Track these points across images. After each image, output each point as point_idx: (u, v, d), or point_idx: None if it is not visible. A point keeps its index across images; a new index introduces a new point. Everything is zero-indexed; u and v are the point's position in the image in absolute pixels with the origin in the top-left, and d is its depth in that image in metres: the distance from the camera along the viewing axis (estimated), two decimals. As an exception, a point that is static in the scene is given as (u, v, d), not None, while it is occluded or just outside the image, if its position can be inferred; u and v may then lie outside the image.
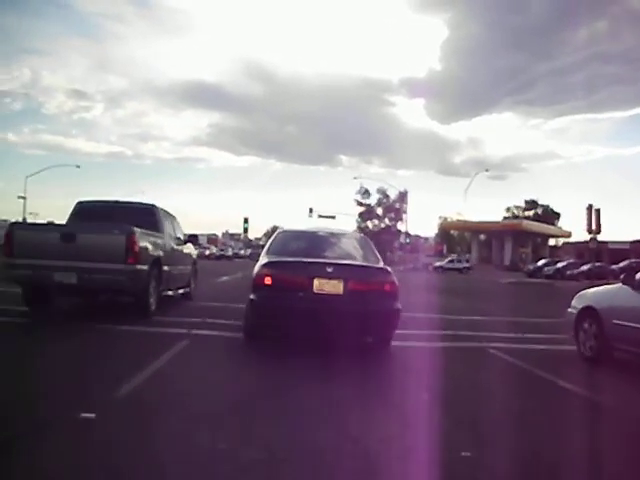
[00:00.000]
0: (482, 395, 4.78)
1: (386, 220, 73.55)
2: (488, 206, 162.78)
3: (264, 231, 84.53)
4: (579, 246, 66.51)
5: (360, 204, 73.66)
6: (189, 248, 10.84)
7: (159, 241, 8.43)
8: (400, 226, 69.55)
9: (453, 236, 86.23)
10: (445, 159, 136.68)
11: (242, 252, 75.01)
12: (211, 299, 10.71)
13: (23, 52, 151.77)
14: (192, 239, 11.12)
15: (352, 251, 7.18)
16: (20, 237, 7.30)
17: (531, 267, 47.20)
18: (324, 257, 6.55)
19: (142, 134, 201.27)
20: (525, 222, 67.93)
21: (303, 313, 5.99)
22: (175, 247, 9.47)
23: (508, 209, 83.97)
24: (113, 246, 7.09)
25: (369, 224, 74.33)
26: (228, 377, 5.03)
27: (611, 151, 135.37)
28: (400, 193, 67.15)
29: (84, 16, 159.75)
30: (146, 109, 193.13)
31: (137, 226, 7.47)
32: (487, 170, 63.19)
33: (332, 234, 7.78)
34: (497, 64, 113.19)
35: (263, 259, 6.54)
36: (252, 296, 6.12)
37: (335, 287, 6.01)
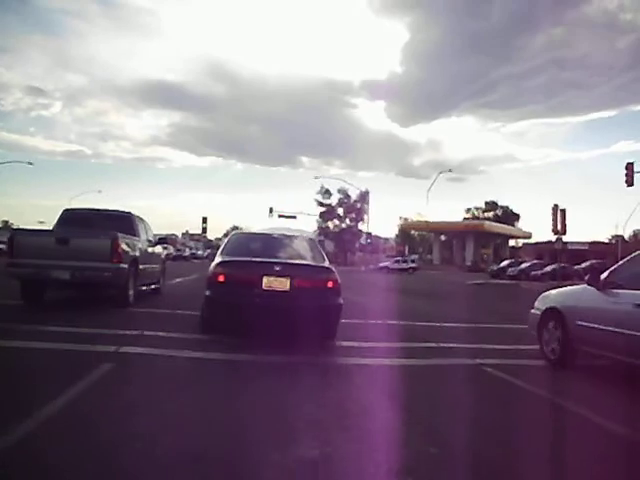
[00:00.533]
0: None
1: (347, 220, 74.05)
2: (447, 208, 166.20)
3: (224, 232, 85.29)
4: (539, 247, 68.02)
5: (321, 204, 73.84)
6: (159, 249, 12.46)
7: (136, 244, 10.04)
8: (361, 226, 70.15)
9: (414, 237, 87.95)
10: (405, 161, 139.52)
11: (200, 252, 73.39)
12: (156, 305, 10.00)
13: None
14: (161, 241, 12.77)
15: (300, 251, 7.73)
16: (21, 241, 8.88)
17: (494, 268, 47.51)
18: (273, 257, 7.01)
19: (102, 133, 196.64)
20: (487, 223, 69.45)
21: (253, 308, 6.46)
22: (148, 249, 11.09)
23: (468, 210, 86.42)
24: (100, 248, 8.71)
25: (330, 224, 74.88)
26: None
27: (568, 155, 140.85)
28: (361, 193, 67.65)
29: (44, 12, 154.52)
30: (106, 108, 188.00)
31: (117, 231, 9.10)
32: (450, 170, 65.07)
33: (282, 236, 8.35)
34: (457, 68, 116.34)
35: (217, 259, 7.08)
36: (207, 292, 6.66)
37: (282, 284, 6.50)
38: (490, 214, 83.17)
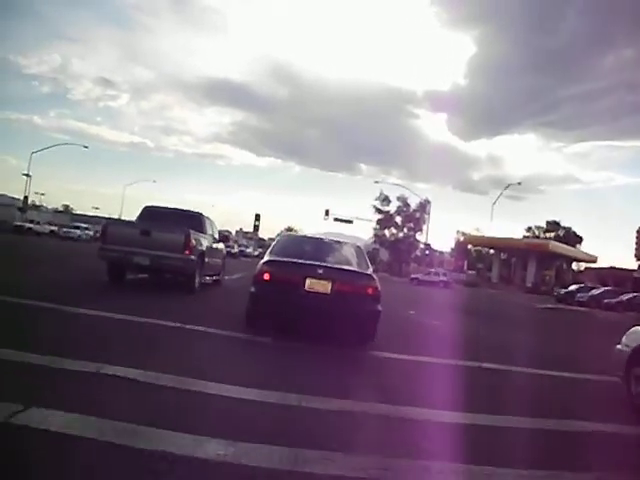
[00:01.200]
0: None
1: (404, 230, 71.72)
2: (504, 225, 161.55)
3: (277, 232, 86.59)
4: (602, 272, 65.16)
5: (379, 211, 71.24)
6: (221, 245, 14.06)
7: (203, 240, 11.61)
8: (419, 237, 68.87)
9: (470, 252, 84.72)
10: (463, 175, 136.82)
11: (249, 250, 69.72)
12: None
13: (54, 37, 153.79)
14: (223, 238, 14.39)
15: (345, 257, 7.82)
16: (111, 230, 10.66)
17: (561, 291, 43.86)
18: (318, 260, 7.14)
19: (165, 127, 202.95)
20: (552, 243, 65.68)
21: (294, 307, 6.67)
22: (213, 245, 12.67)
23: (529, 229, 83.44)
24: (175, 241, 10.32)
25: (386, 232, 72.93)
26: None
27: (632, 180, 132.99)
28: (421, 202, 65.90)
29: (117, 6, 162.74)
30: (171, 102, 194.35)
31: (189, 228, 10.68)
32: (519, 183, 61.65)
33: (329, 240, 8.61)
34: (522, 84, 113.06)
35: (265, 258, 7.34)
36: (252, 289, 6.91)
37: (324, 287, 6.64)
38: (551, 234, 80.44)
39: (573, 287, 44.56)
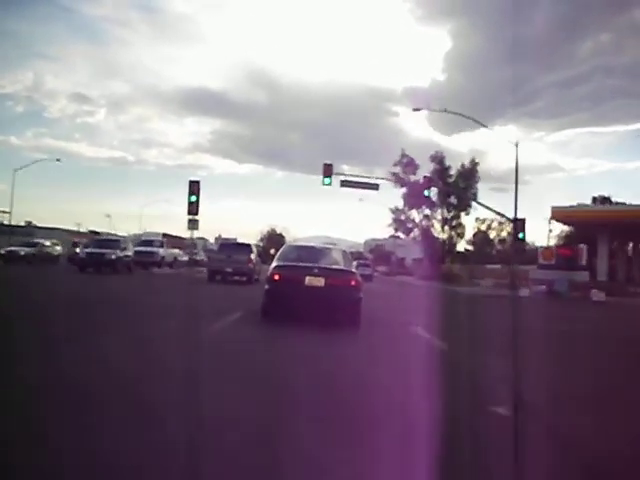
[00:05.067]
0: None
1: (446, 209, 50.27)
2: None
3: (260, 236, 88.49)
4: None
5: (400, 181, 47.94)
6: (257, 258, 24.82)
7: (252, 256, 22.55)
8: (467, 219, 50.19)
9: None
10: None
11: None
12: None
13: (27, 56, 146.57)
14: (258, 250, 25.49)
15: (333, 259, 10.06)
16: (211, 254, 22.03)
17: None
18: (314, 262, 9.34)
19: (145, 140, 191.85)
20: None
21: (298, 298, 8.69)
22: (256, 258, 23.59)
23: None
24: (243, 258, 21.58)
25: (415, 214, 51.86)
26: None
27: (614, 165, 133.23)
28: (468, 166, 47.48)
29: (89, 20, 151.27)
30: (149, 115, 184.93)
31: (248, 251, 21.78)
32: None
33: (321, 247, 11.12)
34: (500, 76, 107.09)
35: (274, 263, 9.61)
36: (266, 286, 9.12)
37: (319, 282, 8.79)
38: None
39: None
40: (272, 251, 25.22)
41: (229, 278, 21.54)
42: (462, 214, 50.30)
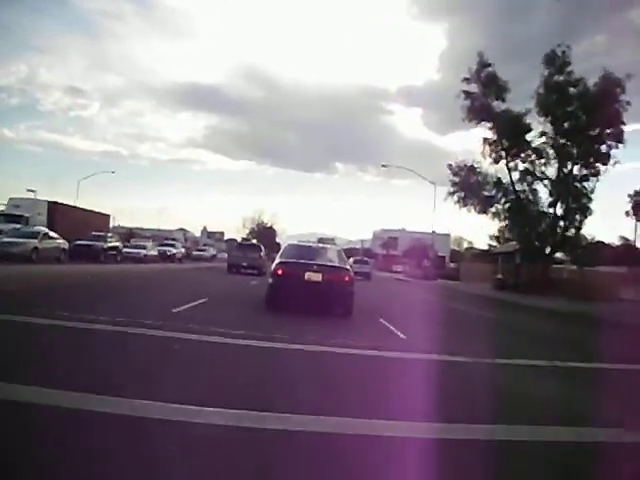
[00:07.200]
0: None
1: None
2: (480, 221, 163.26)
3: (248, 230, 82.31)
4: None
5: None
6: (264, 254, 30.81)
7: (262, 253, 28.86)
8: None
9: None
10: (440, 169, 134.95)
11: (211, 253, 55.03)
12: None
13: (21, 48, 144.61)
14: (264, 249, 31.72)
15: (330, 257, 11.16)
16: (231, 250, 28.60)
17: None
18: (312, 260, 10.52)
19: (139, 134, 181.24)
20: None
21: (298, 291, 9.90)
22: (264, 254, 29.82)
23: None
24: (256, 254, 28.00)
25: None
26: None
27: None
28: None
29: (83, 13, 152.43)
30: (143, 109, 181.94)
31: (260, 249, 28.21)
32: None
33: (319, 246, 12.50)
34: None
35: (277, 260, 10.69)
36: (270, 280, 10.27)
37: (317, 277, 9.96)
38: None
39: None
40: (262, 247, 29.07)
41: (243, 271, 27.02)
42: None
